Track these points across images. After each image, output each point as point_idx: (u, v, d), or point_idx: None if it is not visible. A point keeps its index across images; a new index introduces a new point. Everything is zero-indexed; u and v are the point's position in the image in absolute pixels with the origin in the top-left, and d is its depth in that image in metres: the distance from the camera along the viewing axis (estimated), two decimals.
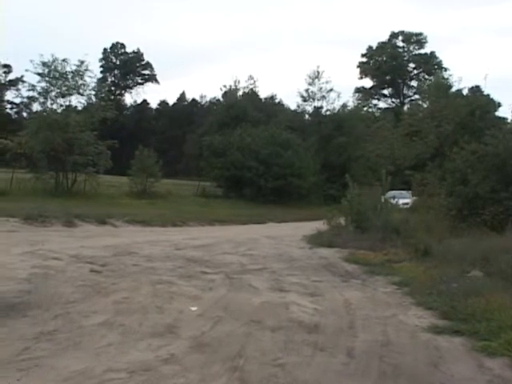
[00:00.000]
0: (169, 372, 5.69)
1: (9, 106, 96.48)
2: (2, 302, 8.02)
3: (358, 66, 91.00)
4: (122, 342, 6.62)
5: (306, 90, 59.01)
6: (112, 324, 7.35)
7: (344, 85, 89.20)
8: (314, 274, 12.46)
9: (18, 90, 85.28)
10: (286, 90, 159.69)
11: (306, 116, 62.13)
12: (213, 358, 6.17)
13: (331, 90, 58.38)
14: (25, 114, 75.45)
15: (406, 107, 79.21)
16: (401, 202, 32.02)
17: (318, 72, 57.75)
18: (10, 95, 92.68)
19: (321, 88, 58.27)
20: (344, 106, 60.45)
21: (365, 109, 67.90)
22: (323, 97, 58.54)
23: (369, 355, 6.57)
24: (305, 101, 59.94)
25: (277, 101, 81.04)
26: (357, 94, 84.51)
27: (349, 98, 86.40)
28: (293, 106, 67.95)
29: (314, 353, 6.55)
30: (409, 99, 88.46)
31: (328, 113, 59.20)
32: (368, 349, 6.81)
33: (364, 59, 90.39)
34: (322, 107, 59.52)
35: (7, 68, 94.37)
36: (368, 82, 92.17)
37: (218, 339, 6.90)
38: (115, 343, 6.54)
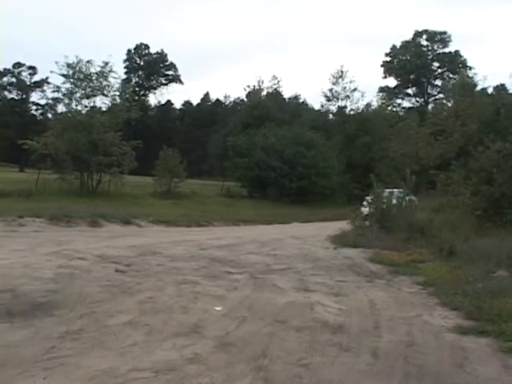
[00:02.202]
0: (193, 371, 5.71)
1: (34, 107, 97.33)
2: (29, 302, 8.08)
3: (381, 65, 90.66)
4: (146, 341, 6.65)
5: (330, 90, 58.98)
6: (137, 323, 7.37)
7: (368, 84, 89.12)
8: (339, 274, 12.42)
9: (43, 91, 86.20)
10: (309, 89, 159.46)
11: (330, 116, 62.06)
12: (237, 358, 6.18)
13: (355, 89, 58.32)
14: (50, 115, 76.27)
15: (430, 106, 78.73)
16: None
17: (342, 71, 57.71)
18: (35, 97, 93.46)
19: (345, 87, 58.22)
20: (368, 105, 60.38)
21: (389, 108, 67.44)
22: (347, 96, 58.47)
23: (393, 356, 6.55)
24: (329, 100, 59.91)
25: (301, 101, 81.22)
26: (381, 94, 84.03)
27: (373, 98, 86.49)
28: (317, 106, 68.07)
29: (338, 353, 6.54)
30: (433, 98, 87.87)
31: (352, 112, 59.09)
32: (393, 349, 6.79)
33: (388, 58, 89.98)
34: (345, 107, 59.49)
35: (32, 70, 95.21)
36: (392, 82, 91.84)
37: (243, 339, 6.90)
38: (140, 343, 6.57)
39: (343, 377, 5.79)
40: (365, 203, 28.14)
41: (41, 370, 5.54)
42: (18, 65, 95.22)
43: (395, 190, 29.98)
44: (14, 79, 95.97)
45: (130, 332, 6.98)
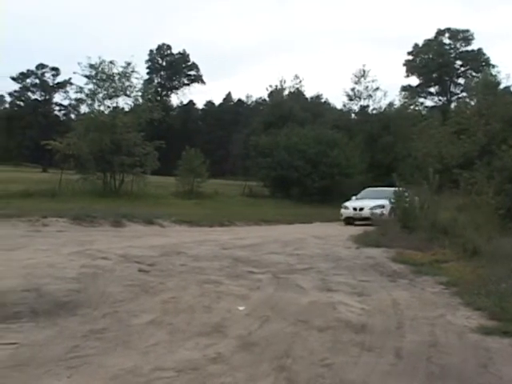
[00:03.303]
0: (216, 371, 5.71)
1: (57, 108, 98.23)
2: (53, 301, 8.13)
3: (404, 64, 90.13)
4: (169, 340, 6.66)
5: (352, 89, 58.67)
6: (160, 323, 7.40)
7: (390, 83, 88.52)
8: (361, 273, 12.39)
9: (65, 92, 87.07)
10: (331, 89, 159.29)
11: (353, 115, 61.75)
12: (260, 358, 6.18)
13: (377, 88, 57.99)
14: (73, 116, 76.78)
15: (453, 105, 78.19)
16: (366, 207, 29.25)
17: (364, 71, 57.35)
18: (58, 97, 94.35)
19: (367, 87, 57.89)
20: (390, 104, 60.00)
21: (411, 107, 67.04)
22: (369, 96, 58.15)
23: (416, 356, 6.52)
24: (351, 100, 59.62)
25: (323, 100, 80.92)
26: (403, 93, 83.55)
27: (395, 97, 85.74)
28: (339, 105, 67.66)
29: (361, 353, 6.51)
30: (456, 97, 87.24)
31: (374, 112, 58.76)
32: (416, 349, 6.75)
33: (410, 57, 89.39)
34: (368, 106, 59.15)
35: (55, 71, 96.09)
36: (414, 80, 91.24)
37: (266, 339, 6.90)
38: (163, 342, 6.59)
39: (366, 377, 5.77)
40: (346, 204, 28.06)
41: (65, 368, 5.57)
42: (41, 66, 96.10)
43: (388, 188, 28.30)
44: (37, 80, 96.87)
45: (152, 331, 7.01)
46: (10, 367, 5.60)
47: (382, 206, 27.32)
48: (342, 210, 30.61)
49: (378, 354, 6.51)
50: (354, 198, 32.20)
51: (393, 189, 27.31)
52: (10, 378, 5.36)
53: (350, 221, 29.42)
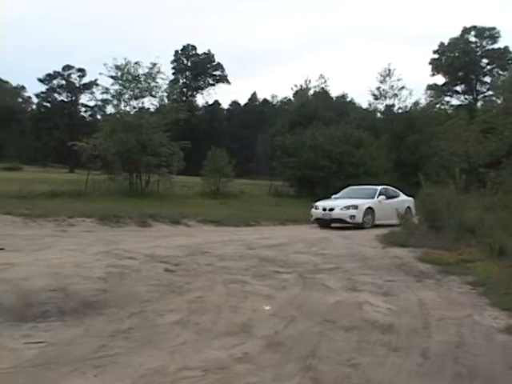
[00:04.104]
0: (242, 370, 5.71)
1: (83, 108, 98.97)
2: (80, 301, 8.18)
3: (429, 63, 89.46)
4: (196, 340, 6.67)
5: (378, 88, 58.65)
6: (186, 323, 7.41)
7: (416, 82, 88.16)
8: (388, 273, 12.33)
9: (92, 93, 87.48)
10: (357, 88, 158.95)
11: (378, 114, 61.61)
12: (286, 358, 6.17)
13: (403, 87, 57.86)
14: (99, 117, 77.22)
15: (479, 104, 77.72)
16: (337, 207, 25.28)
17: (390, 70, 57.29)
18: (84, 98, 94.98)
19: (392, 86, 57.81)
20: (416, 103, 59.81)
21: (437, 106, 66.62)
22: (395, 95, 58.05)
23: (443, 356, 6.48)
24: (376, 99, 59.58)
25: (348, 99, 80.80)
26: (429, 92, 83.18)
27: (421, 96, 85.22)
28: (364, 105, 67.56)
29: (387, 353, 6.48)
30: (482, 95, 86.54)
31: (400, 111, 58.65)
32: (442, 350, 6.71)
33: (436, 56, 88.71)
34: (393, 105, 59.05)
35: (81, 72, 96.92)
36: (440, 79, 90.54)
37: (292, 338, 6.89)
38: (189, 342, 6.60)
39: (392, 377, 5.75)
40: (317, 204, 25.78)
41: (92, 367, 5.60)
42: (67, 67, 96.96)
43: (374, 186, 27.60)
44: (63, 81, 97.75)
45: (179, 331, 7.02)
46: (38, 366, 5.64)
47: (355, 207, 24.80)
48: (312, 210, 26.24)
49: (404, 354, 6.48)
50: (333, 196, 28.56)
51: (380, 187, 27.02)
52: (37, 376, 5.41)
53: (322, 223, 25.47)
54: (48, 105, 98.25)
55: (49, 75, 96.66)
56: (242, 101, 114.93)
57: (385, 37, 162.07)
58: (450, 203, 19.66)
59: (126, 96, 38.88)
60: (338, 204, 25.47)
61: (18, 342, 6.34)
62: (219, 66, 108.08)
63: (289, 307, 8.54)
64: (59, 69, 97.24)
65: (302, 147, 47.60)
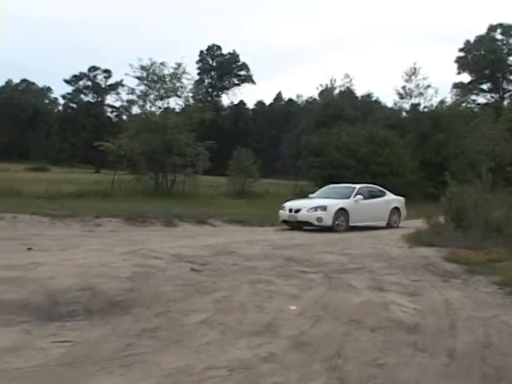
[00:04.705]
0: (268, 370, 5.71)
1: (109, 109, 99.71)
2: (106, 300, 8.23)
3: (455, 61, 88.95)
4: (221, 340, 6.68)
5: (403, 87, 58.19)
6: (212, 322, 7.42)
7: (442, 81, 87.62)
8: (414, 273, 12.25)
9: (117, 93, 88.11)
10: (382, 87, 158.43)
11: (404, 113, 61.31)
12: (312, 358, 6.16)
13: (428, 86, 57.35)
14: (125, 117, 77.83)
15: (505, 102, 77.15)
16: (304, 208, 23.17)
17: (415, 68, 56.81)
18: (110, 99, 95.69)
19: (418, 85, 57.32)
20: (442, 102, 59.29)
21: (463, 104, 66.19)
22: (420, 93, 57.57)
23: (470, 356, 6.43)
24: (402, 98, 59.15)
25: (373, 99, 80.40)
26: (455, 90, 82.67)
27: (447, 94, 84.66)
28: (389, 104, 67.22)
29: (413, 353, 6.44)
30: (509, 94, 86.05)
31: (426, 110, 58.24)
32: (469, 350, 6.65)
33: (462, 54, 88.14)
34: (419, 104, 58.59)
35: (107, 73, 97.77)
36: (466, 77, 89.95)
37: (318, 338, 6.87)
38: (215, 341, 6.61)
39: (419, 377, 5.72)
40: (285, 204, 24.09)
41: (118, 366, 5.63)
42: (93, 68, 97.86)
43: (355, 185, 25.71)
44: (89, 82, 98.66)
45: (205, 330, 7.03)
46: (65, 365, 5.69)
47: (324, 208, 22.63)
48: (280, 211, 24.05)
49: (430, 354, 6.43)
50: (310, 195, 27.14)
51: (358, 186, 25.22)
52: (64, 375, 5.45)
53: (294, 225, 23.18)
54: (74, 106, 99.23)
55: (75, 76, 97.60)
56: (268, 101, 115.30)
57: (410, 35, 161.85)
58: (476, 202, 19.53)
59: (152, 96, 39.16)
60: (306, 205, 23.59)
61: (46, 341, 6.39)
62: (244, 66, 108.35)
63: (314, 307, 8.52)
64: (85, 70, 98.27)
65: (327, 147, 47.49)
